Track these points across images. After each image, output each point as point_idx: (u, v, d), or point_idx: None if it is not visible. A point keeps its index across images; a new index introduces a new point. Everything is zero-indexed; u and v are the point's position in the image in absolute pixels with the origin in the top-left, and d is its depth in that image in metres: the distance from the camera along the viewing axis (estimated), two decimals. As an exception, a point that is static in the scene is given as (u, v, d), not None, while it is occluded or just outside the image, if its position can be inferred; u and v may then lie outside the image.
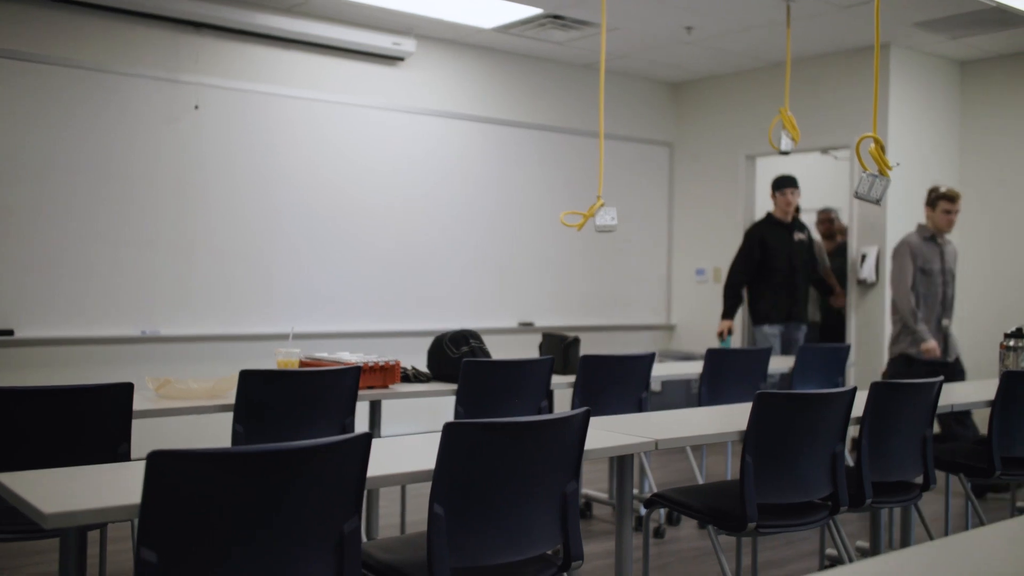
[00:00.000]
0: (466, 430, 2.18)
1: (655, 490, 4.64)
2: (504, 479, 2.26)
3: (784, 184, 6.58)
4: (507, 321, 7.06)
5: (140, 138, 5.59)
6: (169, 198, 5.68)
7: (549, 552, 2.42)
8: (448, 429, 2.16)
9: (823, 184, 9.24)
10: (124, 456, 2.96)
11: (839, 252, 7.23)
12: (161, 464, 1.79)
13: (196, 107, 5.75)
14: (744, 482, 2.83)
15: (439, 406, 6.24)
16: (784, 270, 6.47)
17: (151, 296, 5.61)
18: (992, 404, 3.75)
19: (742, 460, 2.84)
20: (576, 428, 2.39)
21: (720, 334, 6.53)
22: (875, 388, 3.21)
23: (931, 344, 5.58)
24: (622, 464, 2.83)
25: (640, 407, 4.45)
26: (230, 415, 3.38)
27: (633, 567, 2.88)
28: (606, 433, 2.81)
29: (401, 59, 6.55)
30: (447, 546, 2.17)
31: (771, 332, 6.48)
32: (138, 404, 3.05)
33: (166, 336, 5.62)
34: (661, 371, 4.92)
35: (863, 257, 6.74)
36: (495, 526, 2.26)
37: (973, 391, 4.13)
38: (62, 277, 5.34)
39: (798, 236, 6.60)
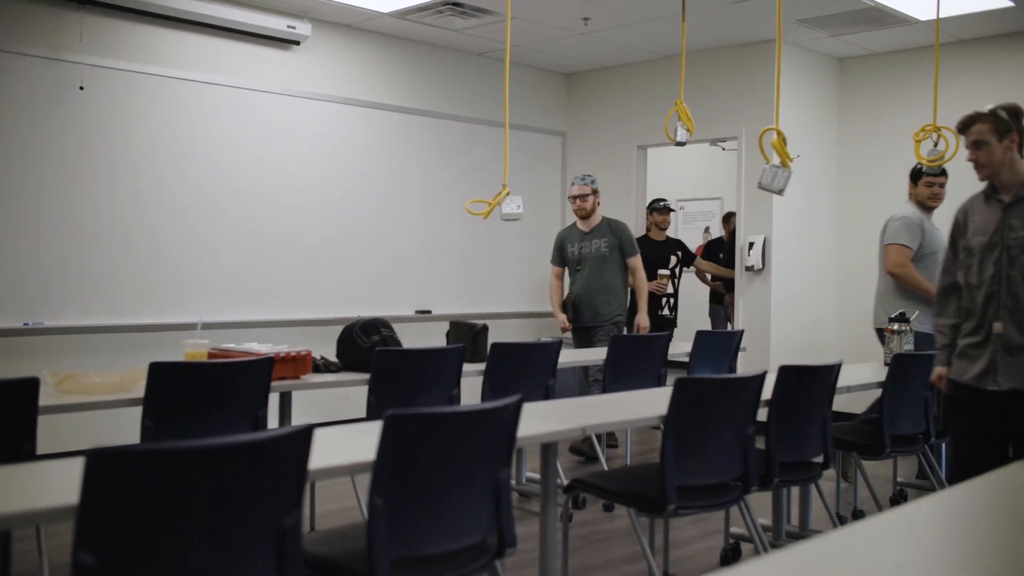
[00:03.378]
0: (408, 421, 2.17)
1: (562, 476, 4.72)
2: (443, 469, 2.26)
3: None
4: (404, 309, 7.01)
5: (21, 120, 5.29)
6: (53, 182, 5.41)
7: (484, 539, 2.44)
8: (390, 420, 2.14)
9: (712, 175, 9.52)
10: (29, 454, 2.84)
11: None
12: (102, 464, 1.72)
13: (81, 88, 5.48)
14: (665, 465, 2.90)
15: (346, 396, 6.17)
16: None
17: (34, 285, 5.33)
18: (883, 386, 3.96)
19: (662, 444, 2.92)
20: (510, 416, 2.41)
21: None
22: (782, 372, 3.34)
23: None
24: (547, 451, 2.87)
25: (547, 394, 4.51)
26: (136, 410, 3.28)
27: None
28: (532, 420, 2.84)
29: (296, 43, 6.40)
30: (387, 537, 2.17)
31: None
32: (40, 400, 2.92)
33: (52, 328, 5.35)
34: (562, 358, 4.96)
35: (751, 245, 6.97)
36: (434, 516, 2.27)
37: (864, 374, 4.35)
38: (-65, 266, 5.03)
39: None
